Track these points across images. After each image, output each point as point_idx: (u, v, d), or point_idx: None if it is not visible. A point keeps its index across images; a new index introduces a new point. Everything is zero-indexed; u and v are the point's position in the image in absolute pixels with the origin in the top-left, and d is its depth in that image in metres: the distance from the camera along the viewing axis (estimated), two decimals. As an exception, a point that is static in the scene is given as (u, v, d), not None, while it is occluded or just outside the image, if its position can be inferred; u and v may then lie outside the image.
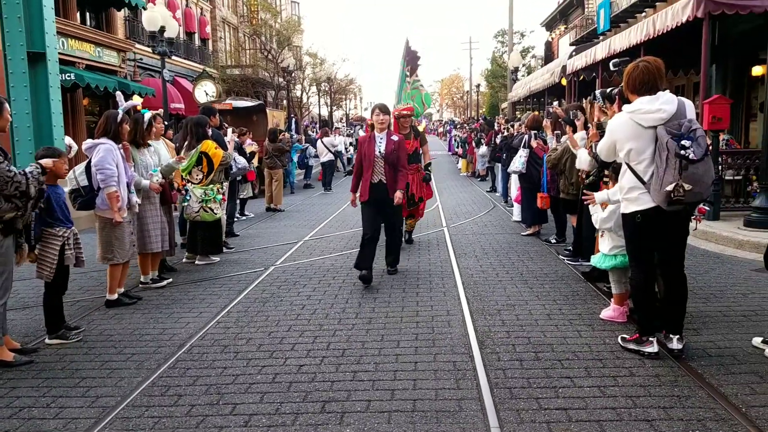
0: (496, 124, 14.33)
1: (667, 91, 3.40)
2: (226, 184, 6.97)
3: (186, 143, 6.38)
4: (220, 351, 3.87)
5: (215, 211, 6.28)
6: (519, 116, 17.21)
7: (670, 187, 3.17)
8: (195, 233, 6.46)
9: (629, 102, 3.52)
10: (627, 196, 3.48)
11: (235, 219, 8.93)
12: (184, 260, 6.57)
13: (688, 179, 3.16)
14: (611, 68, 4.85)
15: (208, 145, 6.27)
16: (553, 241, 7.09)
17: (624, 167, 3.51)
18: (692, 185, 3.16)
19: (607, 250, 4.15)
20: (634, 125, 3.36)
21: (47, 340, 4.11)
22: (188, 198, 6.21)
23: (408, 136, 6.70)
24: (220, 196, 6.41)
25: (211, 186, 6.27)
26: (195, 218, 6.26)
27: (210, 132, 6.51)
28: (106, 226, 4.81)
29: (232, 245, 7.46)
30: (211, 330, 4.29)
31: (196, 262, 6.51)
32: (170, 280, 5.69)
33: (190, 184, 6.23)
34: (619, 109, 4.02)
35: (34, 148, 8.58)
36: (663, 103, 3.31)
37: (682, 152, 3.15)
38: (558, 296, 4.86)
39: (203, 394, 3.23)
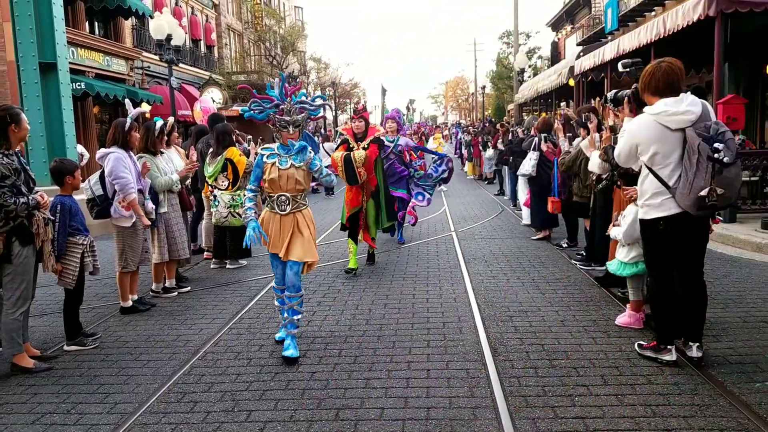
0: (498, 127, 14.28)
1: (689, 92, 3.34)
2: None
3: (211, 150, 6.52)
4: (234, 357, 3.88)
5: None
6: (525, 118, 17.17)
7: (704, 192, 3.07)
8: (223, 238, 6.57)
9: (643, 104, 3.46)
10: (649, 201, 3.36)
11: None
12: (212, 266, 6.67)
13: (720, 183, 3.07)
14: (620, 69, 4.77)
15: (233, 152, 6.42)
16: (565, 245, 7.04)
17: (645, 172, 3.40)
18: (724, 189, 3.08)
19: (628, 259, 4.07)
20: (659, 128, 3.25)
21: (65, 347, 4.15)
22: (216, 203, 6.35)
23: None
24: None
25: (239, 192, 6.41)
26: (223, 223, 6.42)
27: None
28: (120, 234, 4.85)
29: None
30: (224, 336, 4.31)
31: (228, 266, 6.64)
32: (188, 288, 5.72)
33: (217, 190, 6.37)
34: (633, 113, 3.96)
35: (48, 157, 8.70)
36: (689, 105, 3.21)
37: (716, 155, 3.05)
38: (571, 302, 4.83)
39: (218, 400, 3.24)
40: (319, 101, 4.15)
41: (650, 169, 3.35)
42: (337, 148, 6.23)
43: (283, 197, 3.84)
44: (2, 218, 3.56)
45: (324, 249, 7.66)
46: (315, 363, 3.73)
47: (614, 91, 4.45)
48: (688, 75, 12.84)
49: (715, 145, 3.06)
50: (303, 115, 3.87)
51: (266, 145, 3.97)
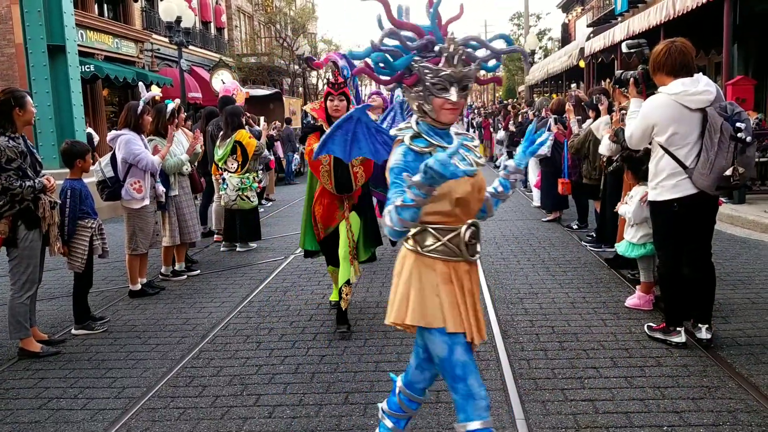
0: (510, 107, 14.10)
1: (701, 73, 3.29)
2: (261, 173, 7.16)
3: (221, 133, 6.52)
4: (243, 341, 3.90)
5: (252, 199, 6.50)
6: (535, 100, 16.96)
7: (728, 172, 3.06)
8: (233, 222, 6.59)
9: (653, 85, 3.40)
10: (664, 182, 3.31)
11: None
12: (222, 249, 6.70)
13: (741, 162, 3.06)
14: (624, 51, 4.66)
15: (242, 135, 6.42)
16: (575, 226, 7.00)
17: (659, 153, 3.34)
18: (744, 168, 3.08)
19: (636, 240, 4.04)
20: (678, 108, 3.20)
21: (73, 330, 4.18)
22: (225, 186, 6.37)
23: None
24: (256, 185, 6.60)
25: (247, 174, 6.40)
26: (232, 206, 6.43)
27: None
28: (131, 217, 4.87)
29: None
30: (233, 320, 4.32)
31: (237, 249, 6.67)
32: (197, 271, 5.75)
33: (226, 173, 6.37)
34: (642, 94, 3.88)
35: (57, 140, 8.72)
36: (706, 85, 3.18)
37: (739, 135, 3.02)
38: (581, 284, 4.80)
39: (227, 384, 3.25)
40: (501, 44, 2.12)
41: (666, 150, 3.28)
42: (305, 139, 4.05)
43: (473, 230, 2.06)
44: (8, 202, 3.56)
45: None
46: (324, 346, 3.74)
47: (620, 71, 4.37)
48: (697, 56, 12.57)
49: (738, 124, 3.04)
50: (474, 67, 2.00)
51: (401, 127, 2.07)
